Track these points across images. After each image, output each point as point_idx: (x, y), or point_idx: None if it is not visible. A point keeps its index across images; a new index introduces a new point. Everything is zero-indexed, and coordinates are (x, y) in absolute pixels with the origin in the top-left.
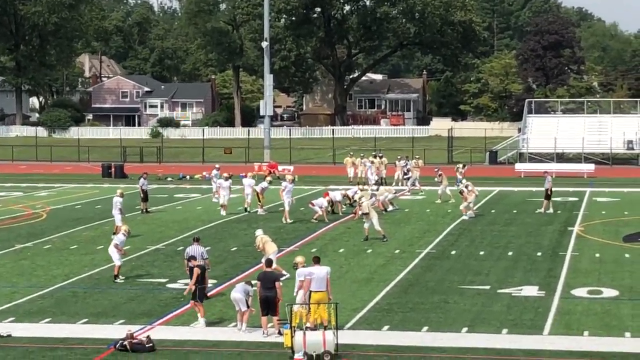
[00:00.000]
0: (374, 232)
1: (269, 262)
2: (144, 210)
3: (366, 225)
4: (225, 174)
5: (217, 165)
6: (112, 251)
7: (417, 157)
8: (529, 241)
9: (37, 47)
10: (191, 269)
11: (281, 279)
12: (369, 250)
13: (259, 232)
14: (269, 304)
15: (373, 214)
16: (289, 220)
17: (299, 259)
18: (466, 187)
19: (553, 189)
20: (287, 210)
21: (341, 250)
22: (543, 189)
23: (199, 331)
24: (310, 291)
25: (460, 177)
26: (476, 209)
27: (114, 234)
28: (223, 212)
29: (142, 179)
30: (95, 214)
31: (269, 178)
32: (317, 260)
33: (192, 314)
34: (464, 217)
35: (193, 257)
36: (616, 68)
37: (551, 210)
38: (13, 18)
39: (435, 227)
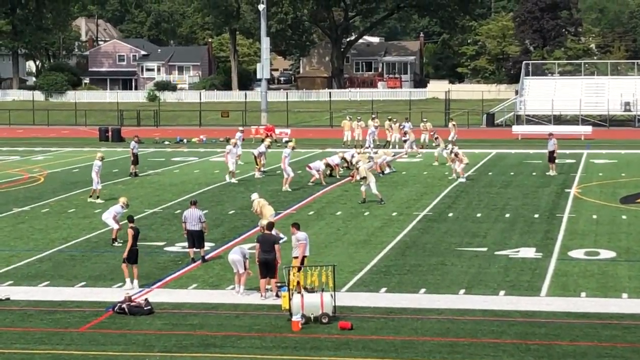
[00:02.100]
0: (372, 195)
1: (269, 226)
2: (133, 174)
3: (363, 188)
4: (233, 140)
5: (240, 128)
6: (107, 218)
7: (424, 119)
8: (526, 203)
9: (34, 10)
10: (190, 234)
11: (279, 242)
12: (366, 213)
13: (254, 196)
14: (268, 267)
15: (371, 178)
16: (288, 189)
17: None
18: (455, 154)
19: (545, 151)
20: (285, 178)
21: (338, 213)
22: (546, 151)
23: (197, 293)
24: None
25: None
26: (474, 172)
27: (90, 197)
28: (232, 179)
29: (133, 142)
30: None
31: (267, 141)
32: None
33: (191, 276)
34: (461, 180)
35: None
36: (614, 30)
37: (554, 173)
38: None
39: (433, 190)
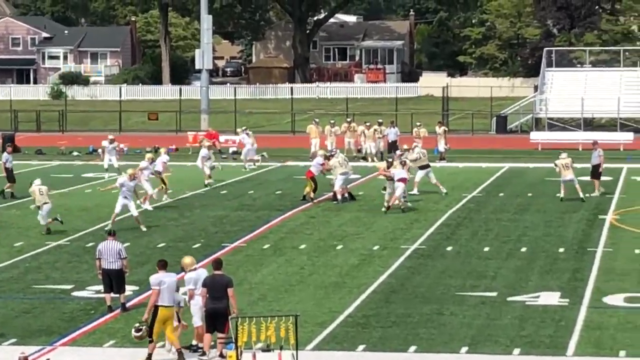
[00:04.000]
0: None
1: (218, 264)
2: (8, 195)
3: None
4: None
5: (110, 136)
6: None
7: (418, 124)
8: (548, 233)
9: None
10: (106, 274)
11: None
12: (339, 247)
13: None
14: (217, 318)
15: (338, 170)
16: (149, 207)
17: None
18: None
19: (578, 166)
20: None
21: (302, 247)
22: (589, 165)
23: (116, 352)
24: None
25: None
26: (479, 193)
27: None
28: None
29: (5, 154)
30: None
31: (205, 149)
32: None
33: (106, 330)
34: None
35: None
36: None
37: (598, 193)
38: None
39: (426, 216)
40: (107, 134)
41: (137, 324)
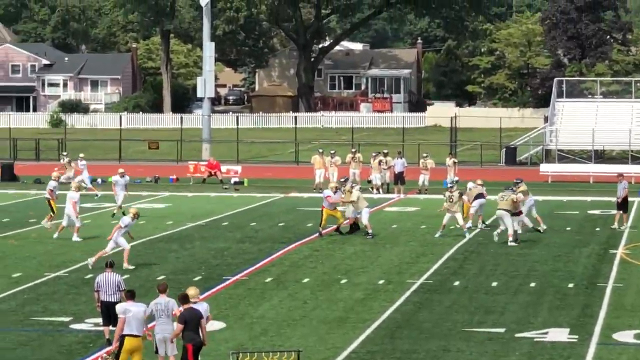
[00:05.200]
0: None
1: (185, 297)
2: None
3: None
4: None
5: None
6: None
7: (425, 155)
8: (557, 268)
9: None
10: (105, 306)
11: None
12: (343, 281)
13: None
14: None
15: (363, 204)
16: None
17: (191, 291)
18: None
19: (587, 199)
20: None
21: (306, 281)
22: (615, 198)
23: None
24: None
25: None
26: (487, 225)
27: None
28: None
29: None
30: None
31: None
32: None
33: None
34: (467, 234)
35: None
36: None
37: (625, 226)
38: None
39: (433, 250)
40: (110, 164)
41: (104, 354)
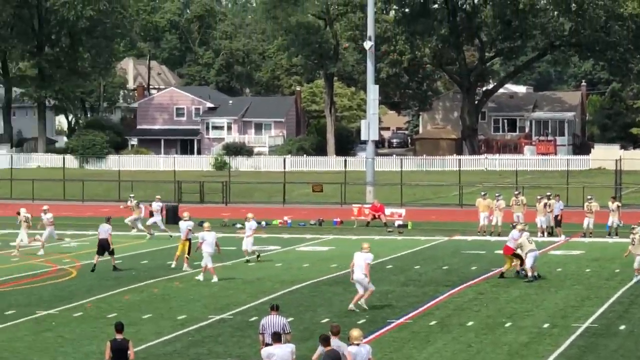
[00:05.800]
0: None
1: (324, 339)
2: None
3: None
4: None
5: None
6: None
7: (589, 197)
8: None
9: (67, 49)
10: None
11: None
12: (508, 324)
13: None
14: None
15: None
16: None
17: (355, 332)
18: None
19: None
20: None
21: (470, 324)
22: None
23: None
24: None
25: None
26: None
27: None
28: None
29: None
30: (141, 272)
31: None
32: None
33: None
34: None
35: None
36: None
37: None
38: (36, 11)
39: (598, 293)
40: (274, 206)
41: None
